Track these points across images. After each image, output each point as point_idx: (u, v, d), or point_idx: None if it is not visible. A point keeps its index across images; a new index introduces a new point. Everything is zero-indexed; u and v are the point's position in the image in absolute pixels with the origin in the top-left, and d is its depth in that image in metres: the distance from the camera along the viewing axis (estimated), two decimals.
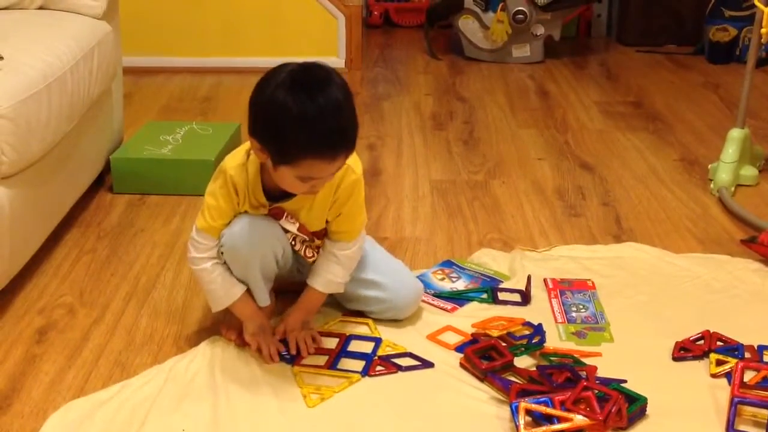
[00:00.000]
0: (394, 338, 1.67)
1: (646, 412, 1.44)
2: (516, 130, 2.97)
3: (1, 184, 1.70)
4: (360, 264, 1.69)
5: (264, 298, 1.66)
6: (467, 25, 3.92)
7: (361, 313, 1.75)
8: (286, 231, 1.61)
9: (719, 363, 1.57)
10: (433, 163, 2.65)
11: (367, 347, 1.64)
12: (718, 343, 1.64)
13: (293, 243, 1.64)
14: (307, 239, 1.64)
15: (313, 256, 1.67)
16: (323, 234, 1.65)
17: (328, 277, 1.64)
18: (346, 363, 1.59)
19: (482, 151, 2.77)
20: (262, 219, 1.58)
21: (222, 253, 1.60)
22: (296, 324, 1.64)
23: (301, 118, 1.38)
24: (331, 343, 1.65)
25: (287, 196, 1.56)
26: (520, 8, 3.79)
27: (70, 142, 2.07)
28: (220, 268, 1.60)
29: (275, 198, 1.57)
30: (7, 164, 1.70)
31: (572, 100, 3.33)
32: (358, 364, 1.58)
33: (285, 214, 1.59)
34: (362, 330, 1.70)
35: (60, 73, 1.93)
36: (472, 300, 1.81)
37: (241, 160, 1.55)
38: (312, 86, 1.39)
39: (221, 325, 1.69)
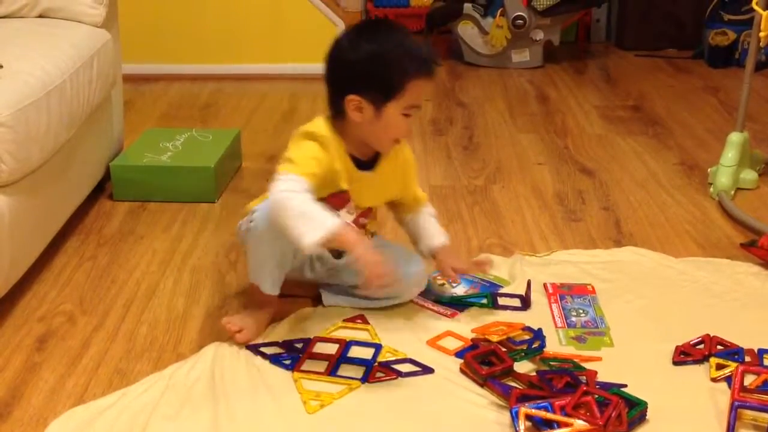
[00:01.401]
0: (394, 344, 1.67)
1: (647, 417, 1.44)
2: (516, 135, 2.97)
3: (1, 192, 1.71)
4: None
5: (270, 288, 1.68)
6: (466, 30, 3.93)
7: (362, 318, 1.75)
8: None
9: (719, 367, 1.57)
10: (433, 169, 2.65)
11: (367, 353, 1.64)
12: (718, 347, 1.64)
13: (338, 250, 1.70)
14: (358, 230, 1.70)
15: None
16: (372, 214, 1.75)
17: (438, 231, 1.81)
18: (346, 369, 1.59)
19: (482, 156, 2.77)
20: None
21: (248, 229, 1.64)
22: (451, 263, 1.79)
23: (398, 50, 1.57)
24: (331, 349, 1.65)
25: (367, 167, 1.66)
26: (519, 13, 3.79)
27: (70, 149, 2.07)
28: (309, 198, 1.52)
29: (361, 166, 1.66)
30: (7, 172, 1.70)
31: (572, 105, 3.33)
32: (358, 371, 1.58)
33: (348, 204, 1.67)
34: (362, 336, 1.70)
35: (59, 81, 1.93)
36: (472, 305, 1.81)
37: (327, 127, 1.63)
38: (388, 27, 1.65)
39: (225, 319, 1.67)
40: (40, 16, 2.29)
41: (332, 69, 1.61)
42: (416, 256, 1.80)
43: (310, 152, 1.58)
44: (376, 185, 1.70)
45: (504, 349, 1.61)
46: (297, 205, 1.50)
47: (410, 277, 1.76)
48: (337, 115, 1.63)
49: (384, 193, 1.76)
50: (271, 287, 1.68)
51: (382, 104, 1.58)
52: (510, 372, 1.55)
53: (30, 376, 1.59)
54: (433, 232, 1.82)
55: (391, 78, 1.56)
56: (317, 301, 1.83)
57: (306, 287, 1.83)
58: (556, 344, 1.67)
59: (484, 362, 1.58)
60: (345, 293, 1.80)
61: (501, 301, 1.82)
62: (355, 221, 1.71)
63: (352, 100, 1.57)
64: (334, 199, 1.64)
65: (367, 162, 1.68)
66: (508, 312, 1.78)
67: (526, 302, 1.81)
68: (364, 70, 1.56)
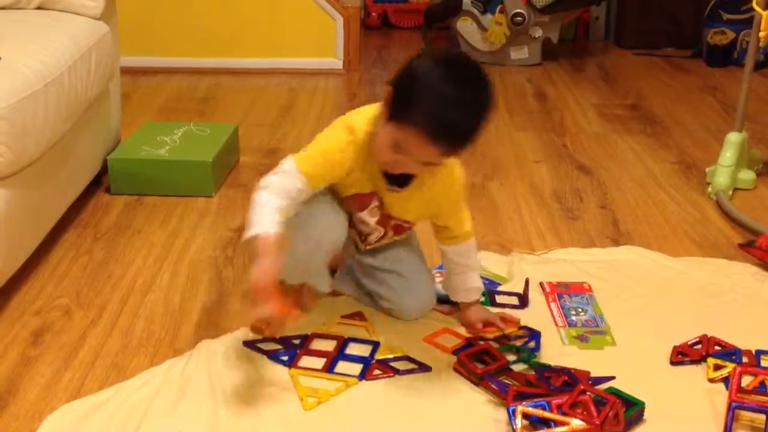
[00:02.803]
0: (392, 341, 1.66)
1: (644, 417, 1.44)
2: (514, 133, 2.97)
3: None
4: (392, 254, 1.73)
5: (325, 282, 1.69)
6: (465, 26, 3.92)
7: (360, 315, 1.75)
8: (362, 222, 1.64)
9: (717, 367, 1.57)
10: None
11: (365, 350, 1.63)
12: (716, 347, 1.64)
13: (366, 236, 1.68)
14: (383, 232, 1.67)
15: (379, 245, 1.71)
16: (403, 229, 1.67)
17: (470, 286, 1.69)
18: (344, 366, 1.58)
19: (480, 153, 2.76)
20: (330, 204, 1.59)
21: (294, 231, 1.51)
22: (480, 319, 1.68)
23: (438, 92, 1.38)
24: (329, 345, 1.65)
25: (399, 184, 1.55)
26: (518, 10, 3.79)
27: (68, 142, 2.06)
28: (278, 201, 1.46)
29: (391, 182, 1.55)
30: (4, 165, 1.70)
31: (570, 103, 3.33)
32: (356, 368, 1.58)
33: (370, 206, 1.60)
34: (360, 333, 1.70)
35: (57, 73, 1.92)
36: None
37: (369, 119, 1.50)
38: (475, 78, 1.41)
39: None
40: (39, 8, 2.28)
41: (408, 63, 1.46)
42: (432, 284, 1.76)
43: (332, 152, 1.51)
44: (411, 203, 1.60)
45: (497, 346, 1.61)
46: (257, 202, 1.46)
47: (418, 297, 1.73)
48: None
49: (415, 214, 1.64)
50: (326, 281, 1.69)
51: (388, 117, 1.44)
52: (505, 370, 1.55)
53: (26, 370, 1.59)
54: (466, 286, 1.70)
55: (405, 103, 1.41)
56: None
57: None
58: (558, 344, 1.67)
59: (479, 361, 1.58)
60: (353, 282, 1.80)
61: (499, 299, 1.81)
62: (382, 223, 1.65)
63: (388, 90, 1.44)
64: (357, 200, 1.60)
65: (399, 178, 1.54)
66: (507, 310, 1.78)
67: (524, 300, 1.80)
68: (408, 77, 1.42)
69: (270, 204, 1.45)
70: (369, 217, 1.64)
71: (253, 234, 1.41)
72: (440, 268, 1.93)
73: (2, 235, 1.71)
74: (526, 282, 1.83)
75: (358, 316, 1.75)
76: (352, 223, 1.68)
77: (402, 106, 1.41)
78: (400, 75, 1.44)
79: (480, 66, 1.45)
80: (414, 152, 1.42)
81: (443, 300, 1.81)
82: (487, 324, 1.68)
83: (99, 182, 2.42)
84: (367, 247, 1.73)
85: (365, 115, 1.53)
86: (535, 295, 1.83)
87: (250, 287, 1.39)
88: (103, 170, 2.41)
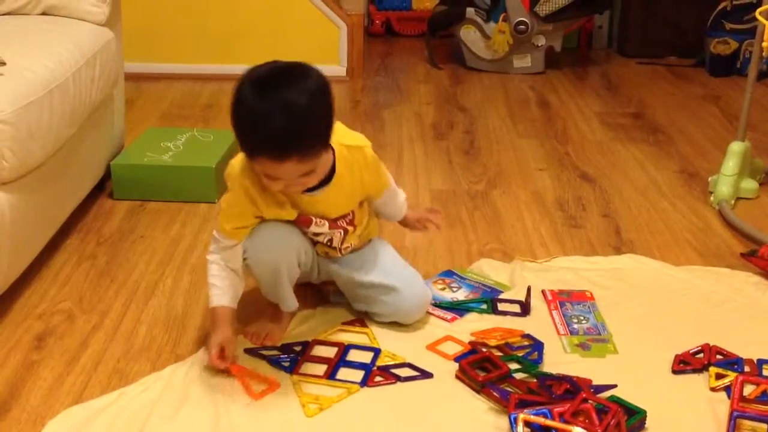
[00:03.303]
0: (393, 348, 1.66)
1: (645, 426, 1.44)
2: (516, 141, 2.97)
3: (1, 189, 1.70)
4: (370, 266, 1.74)
5: (291, 304, 1.70)
6: (469, 35, 3.93)
7: (361, 321, 1.75)
8: (318, 234, 1.67)
9: (719, 376, 1.57)
10: (434, 173, 2.65)
11: (366, 357, 1.63)
12: (718, 356, 1.64)
13: (329, 241, 1.70)
14: (342, 231, 1.68)
15: (350, 245, 1.74)
16: (351, 217, 1.68)
17: (399, 206, 1.83)
18: (345, 373, 1.58)
19: (483, 161, 2.77)
20: (280, 225, 1.63)
21: (246, 264, 1.64)
22: (413, 216, 1.86)
23: (249, 116, 1.42)
24: (330, 352, 1.65)
25: (316, 188, 1.58)
26: (521, 19, 3.79)
27: (71, 147, 2.07)
28: (224, 272, 1.63)
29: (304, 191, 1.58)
30: (8, 170, 1.70)
31: (573, 111, 3.33)
32: (357, 374, 1.58)
33: (313, 220, 1.63)
34: (361, 339, 1.70)
35: (62, 79, 1.93)
36: (472, 310, 1.81)
37: (244, 165, 1.56)
38: (270, 85, 1.42)
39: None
40: (43, 14, 2.28)
41: None
42: (419, 279, 1.77)
43: (232, 205, 1.61)
44: (333, 197, 1.62)
45: (499, 354, 1.61)
46: (210, 275, 1.64)
47: (413, 312, 1.74)
48: None
49: (349, 200, 1.66)
50: (291, 305, 1.71)
51: (247, 157, 1.51)
52: (507, 377, 1.55)
53: (28, 374, 1.59)
54: (401, 204, 1.83)
55: (239, 142, 1.47)
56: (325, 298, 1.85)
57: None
58: (560, 352, 1.67)
59: (480, 368, 1.58)
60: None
61: (501, 306, 1.82)
62: (334, 226, 1.67)
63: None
64: (299, 221, 1.64)
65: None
66: (508, 318, 1.78)
67: (526, 308, 1.80)
68: (232, 118, 1.47)
69: (217, 274, 1.62)
70: (319, 228, 1.66)
71: (210, 306, 1.62)
72: (442, 275, 1.93)
73: (6, 240, 1.72)
74: (528, 290, 1.83)
75: (359, 322, 1.76)
76: (314, 242, 1.71)
77: (241, 142, 1.47)
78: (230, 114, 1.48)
79: (289, 64, 1.48)
80: (278, 173, 1.46)
81: (444, 306, 1.81)
82: (421, 219, 1.87)
83: (102, 187, 2.42)
84: (343, 253, 1.74)
85: (234, 164, 1.59)
86: (537, 303, 1.83)
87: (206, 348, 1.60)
88: (107, 175, 2.41)
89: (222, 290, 1.62)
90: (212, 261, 1.64)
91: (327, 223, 1.65)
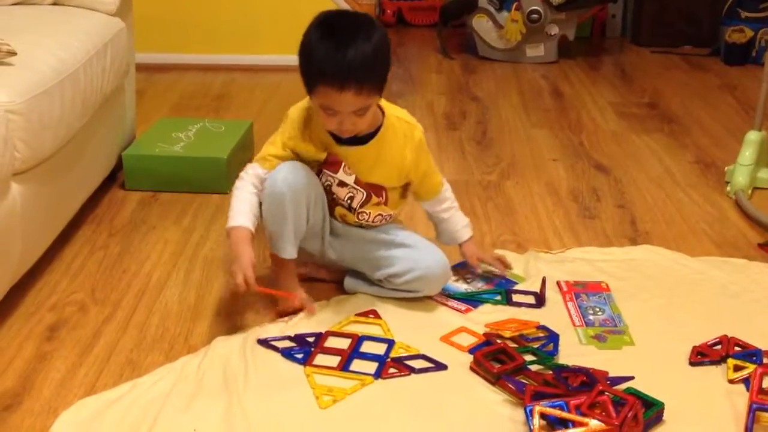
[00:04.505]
0: (406, 340, 1.65)
1: (663, 418, 1.42)
2: (530, 131, 2.95)
3: (13, 180, 1.69)
4: (386, 228, 1.81)
5: (291, 250, 1.72)
6: (481, 24, 3.90)
7: (375, 313, 1.74)
8: (344, 184, 1.71)
9: (737, 368, 1.55)
10: (446, 163, 2.63)
11: (379, 349, 1.62)
12: (736, 348, 1.62)
13: (349, 200, 1.74)
14: (365, 194, 1.72)
15: (372, 219, 1.78)
16: (383, 193, 1.75)
17: (458, 228, 1.84)
18: (359, 364, 1.57)
19: (495, 151, 2.75)
20: (302, 167, 1.70)
21: (262, 195, 1.70)
22: (476, 253, 1.86)
23: (317, 46, 1.56)
24: (343, 343, 1.63)
25: (355, 142, 1.68)
26: (534, 8, 3.76)
27: (83, 138, 2.06)
28: (249, 196, 1.70)
29: (343, 142, 1.69)
30: (20, 160, 1.69)
31: (586, 101, 3.30)
32: (371, 366, 1.56)
33: (342, 165, 1.70)
34: (375, 331, 1.69)
35: (73, 69, 1.92)
36: (486, 302, 1.79)
37: (303, 104, 1.72)
38: (340, 23, 1.60)
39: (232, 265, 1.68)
40: (54, 4, 2.28)
41: None
42: (440, 252, 1.77)
43: (276, 135, 1.74)
44: (370, 160, 1.71)
45: (514, 345, 1.60)
46: (234, 196, 1.72)
47: (434, 271, 1.74)
48: None
49: (385, 170, 1.73)
50: (291, 252, 1.72)
51: (308, 92, 1.63)
52: (522, 369, 1.54)
53: (40, 365, 1.59)
54: (457, 226, 1.85)
55: (305, 77, 1.61)
56: (341, 286, 1.84)
57: (331, 272, 1.86)
58: (575, 343, 1.65)
59: (495, 360, 1.56)
60: (368, 283, 1.80)
61: (515, 297, 1.80)
62: (359, 183, 1.73)
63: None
64: (328, 164, 1.72)
65: (357, 137, 1.68)
66: (523, 309, 1.77)
67: (540, 300, 1.79)
68: (299, 56, 1.61)
69: (240, 197, 1.70)
70: (346, 176, 1.71)
71: (229, 226, 1.68)
72: (456, 266, 1.91)
73: (18, 231, 1.71)
74: (543, 281, 1.81)
75: (372, 313, 1.74)
76: (333, 200, 1.75)
77: (305, 77, 1.61)
78: (299, 58, 1.62)
79: (352, 11, 1.69)
80: (337, 106, 1.58)
81: (458, 297, 1.80)
82: (483, 260, 1.87)
83: (114, 178, 2.42)
84: (360, 217, 1.76)
85: (299, 103, 1.75)
86: (552, 294, 1.81)
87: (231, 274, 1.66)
88: (118, 166, 2.41)
89: (241, 211, 1.68)
90: (238, 187, 1.72)
91: (355, 177, 1.71)
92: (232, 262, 1.67)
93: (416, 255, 1.74)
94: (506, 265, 1.88)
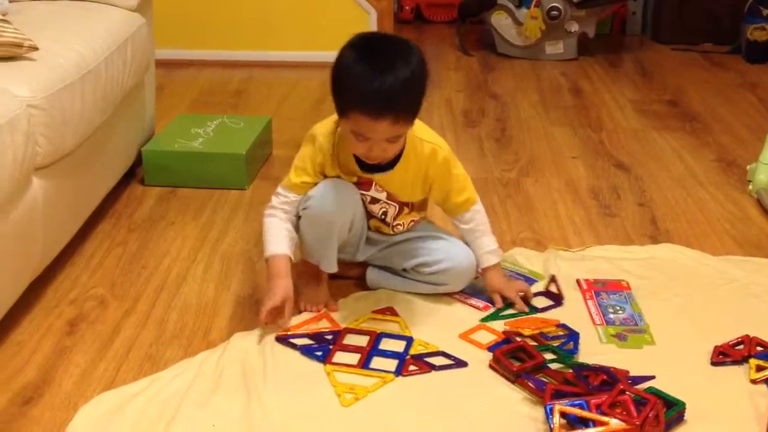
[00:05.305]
0: (425, 337, 1.65)
1: (684, 418, 1.41)
2: (549, 128, 2.93)
3: (35, 175, 1.70)
4: (423, 227, 1.82)
5: (333, 264, 1.73)
6: (500, 20, 3.88)
7: (392, 310, 1.73)
8: (376, 201, 1.71)
9: (759, 368, 1.54)
10: (465, 161, 2.57)
11: (398, 346, 1.62)
12: (758, 348, 1.60)
13: (383, 214, 1.74)
14: (398, 207, 1.72)
15: (407, 227, 1.79)
16: (414, 207, 1.76)
17: (482, 251, 1.75)
18: (378, 362, 1.57)
19: (515, 148, 2.73)
20: (343, 184, 1.68)
21: (303, 213, 1.68)
22: (498, 286, 1.76)
23: (354, 70, 1.50)
24: (362, 341, 1.63)
25: (379, 169, 1.66)
26: (554, 4, 3.74)
27: (103, 133, 2.07)
28: (283, 223, 1.69)
29: (368, 169, 1.66)
30: (42, 155, 1.70)
31: (606, 99, 3.28)
32: (391, 363, 1.56)
33: (374, 184, 1.69)
34: (393, 328, 1.68)
35: (94, 64, 1.93)
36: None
37: (330, 128, 1.67)
38: (379, 48, 1.55)
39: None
40: (75, 0, 2.28)
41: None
42: (466, 249, 1.76)
43: (303, 161, 1.69)
44: (395, 183, 1.69)
45: (534, 343, 1.59)
46: (266, 227, 1.70)
47: (463, 266, 1.75)
48: None
49: (408, 190, 1.72)
50: (333, 266, 1.73)
51: (339, 118, 1.59)
52: (542, 368, 1.53)
53: (60, 360, 1.59)
54: (481, 249, 1.76)
55: (338, 100, 1.56)
56: (358, 282, 1.84)
57: (355, 269, 1.85)
58: (596, 342, 1.64)
59: (514, 358, 1.55)
60: (391, 274, 1.81)
61: (534, 302, 1.77)
62: (390, 198, 1.72)
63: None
64: (358, 184, 1.70)
65: (381, 164, 1.65)
66: (546, 314, 1.74)
67: (557, 298, 1.77)
68: (331, 77, 1.56)
69: (275, 224, 1.68)
70: (378, 194, 1.71)
71: (266, 256, 1.67)
72: None
73: (40, 225, 1.72)
74: (552, 279, 1.80)
75: (390, 311, 1.74)
76: (368, 212, 1.74)
77: (338, 99, 1.55)
78: (332, 79, 1.57)
79: (391, 36, 1.62)
80: (370, 133, 1.53)
81: (478, 295, 1.79)
82: (503, 294, 1.76)
83: (133, 173, 2.42)
84: (396, 230, 1.77)
85: (324, 124, 1.69)
86: (572, 293, 1.80)
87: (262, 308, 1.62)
88: (138, 162, 2.41)
89: (279, 239, 1.67)
90: (270, 214, 1.70)
91: (386, 193, 1.70)
92: (266, 293, 1.65)
93: (449, 247, 1.75)
94: (528, 302, 1.75)
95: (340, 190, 1.67)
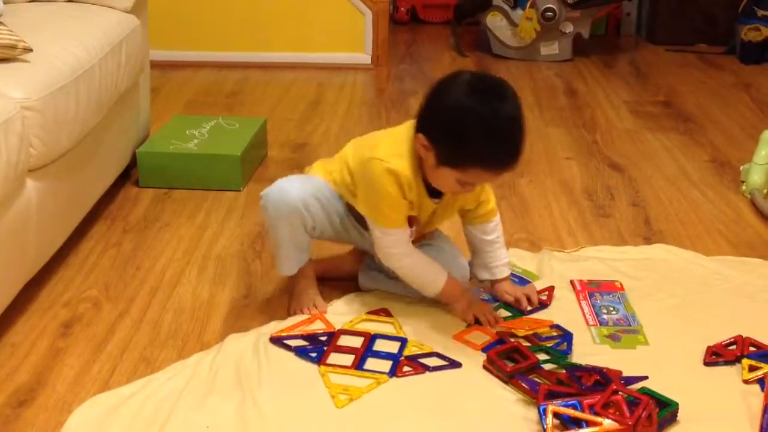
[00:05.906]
0: (419, 338, 1.65)
1: (677, 418, 1.41)
2: (544, 129, 2.94)
3: (28, 176, 1.70)
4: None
5: (289, 269, 1.73)
6: (495, 22, 3.89)
7: (386, 311, 1.74)
8: None
9: (752, 369, 1.54)
10: None
11: (392, 347, 1.62)
12: (751, 348, 1.61)
13: None
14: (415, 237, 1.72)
15: (418, 244, 1.76)
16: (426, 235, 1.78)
17: (498, 263, 1.76)
18: (373, 363, 1.57)
19: None
20: (291, 185, 1.67)
21: (267, 206, 1.66)
22: (508, 291, 1.77)
23: (482, 130, 1.47)
24: (356, 342, 1.63)
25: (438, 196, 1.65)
26: (549, 6, 3.75)
27: (98, 135, 2.07)
28: (420, 256, 1.68)
29: (435, 195, 1.65)
30: (35, 157, 1.70)
31: (601, 99, 3.29)
32: (385, 364, 1.56)
33: (416, 224, 1.67)
34: (387, 329, 1.68)
35: (88, 66, 1.93)
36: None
37: (410, 163, 1.58)
38: (503, 110, 1.48)
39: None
40: (70, 1, 2.28)
41: (430, 96, 1.55)
42: (464, 260, 1.79)
43: (395, 198, 1.59)
44: (445, 210, 1.71)
45: (527, 344, 1.59)
46: (412, 273, 1.68)
47: (458, 254, 1.79)
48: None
49: (449, 212, 1.74)
50: (288, 269, 1.73)
51: (441, 163, 1.53)
52: (535, 368, 1.53)
53: (54, 361, 1.59)
54: (497, 261, 1.77)
55: (460, 153, 1.50)
56: (351, 283, 1.84)
57: (346, 270, 1.86)
58: (589, 342, 1.64)
59: (508, 359, 1.56)
60: (384, 276, 1.79)
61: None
62: (416, 235, 1.72)
63: (421, 139, 1.53)
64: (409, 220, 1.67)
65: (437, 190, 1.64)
66: (535, 315, 1.75)
67: (543, 303, 1.78)
68: (443, 124, 1.51)
69: (424, 260, 1.68)
70: (412, 232, 1.69)
71: (439, 290, 1.69)
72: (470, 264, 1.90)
73: (34, 227, 1.72)
74: (550, 288, 1.82)
75: (384, 312, 1.74)
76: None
77: (454, 152, 1.50)
78: (434, 124, 1.52)
79: (501, 80, 1.54)
80: (478, 181, 1.58)
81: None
82: (511, 293, 1.77)
83: (128, 175, 2.42)
84: None
85: (394, 155, 1.58)
86: (564, 293, 1.81)
87: (470, 317, 1.69)
88: (132, 163, 2.41)
89: (435, 268, 1.68)
90: (406, 254, 1.65)
91: (415, 231, 1.69)
92: (460, 308, 1.70)
93: (440, 258, 1.73)
94: (532, 304, 1.76)
95: (283, 191, 1.66)
